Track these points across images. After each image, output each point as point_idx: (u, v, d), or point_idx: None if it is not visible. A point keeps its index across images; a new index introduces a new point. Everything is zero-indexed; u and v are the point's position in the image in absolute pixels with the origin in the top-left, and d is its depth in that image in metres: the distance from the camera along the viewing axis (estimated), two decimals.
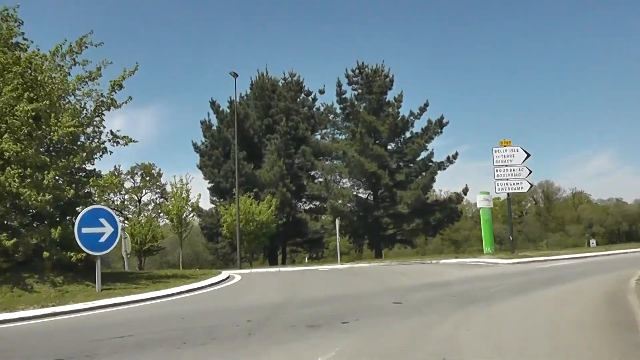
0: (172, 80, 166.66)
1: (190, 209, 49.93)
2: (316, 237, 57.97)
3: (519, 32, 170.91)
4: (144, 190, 70.11)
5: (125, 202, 68.82)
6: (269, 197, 48.74)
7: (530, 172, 34.77)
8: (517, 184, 34.99)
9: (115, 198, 65.94)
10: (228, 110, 56.31)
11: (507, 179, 34.72)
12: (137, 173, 70.63)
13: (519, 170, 34.77)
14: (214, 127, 57.45)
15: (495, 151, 34.88)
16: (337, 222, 39.43)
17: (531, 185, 37.15)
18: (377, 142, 52.34)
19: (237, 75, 42.34)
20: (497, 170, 34.73)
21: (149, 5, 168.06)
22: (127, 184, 68.25)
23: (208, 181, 56.46)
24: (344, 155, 51.06)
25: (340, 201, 51.45)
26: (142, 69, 38.69)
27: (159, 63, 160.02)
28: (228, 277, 24.46)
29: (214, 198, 55.37)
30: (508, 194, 36.20)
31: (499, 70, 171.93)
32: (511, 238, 38.95)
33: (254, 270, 34.07)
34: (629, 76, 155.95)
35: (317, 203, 58.11)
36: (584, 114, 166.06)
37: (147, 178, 69.44)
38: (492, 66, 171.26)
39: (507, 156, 34.88)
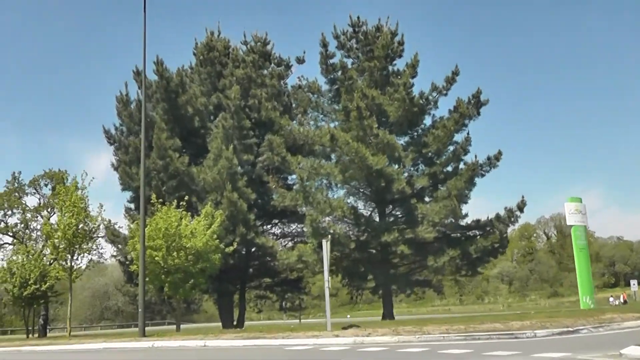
0: None
1: (90, 227, 34.05)
2: (292, 277, 40.24)
3: None
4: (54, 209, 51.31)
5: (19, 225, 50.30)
6: (209, 207, 30.84)
7: None
8: None
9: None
10: (157, 78, 38.10)
11: None
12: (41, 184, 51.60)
13: None
14: (133, 105, 39.20)
15: None
16: (327, 245, 21.68)
17: None
18: (383, 128, 34.76)
19: None
20: None
21: None
22: (32, 200, 50.48)
23: (122, 187, 38.32)
24: (332, 145, 32.99)
25: (327, 219, 33.47)
26: None
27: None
28: None
29: (135, 212, 36.76)
30: None
31: None
32: None
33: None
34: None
35: (293, 223, 40.87)
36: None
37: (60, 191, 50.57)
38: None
39: None
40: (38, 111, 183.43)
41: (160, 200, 31.26)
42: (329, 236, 23.33)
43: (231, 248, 32.09)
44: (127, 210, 39.16)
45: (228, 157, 33.46)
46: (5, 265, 38.30)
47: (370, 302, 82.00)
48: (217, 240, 30.53)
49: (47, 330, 48.29)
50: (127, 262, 37.43)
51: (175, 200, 31.05)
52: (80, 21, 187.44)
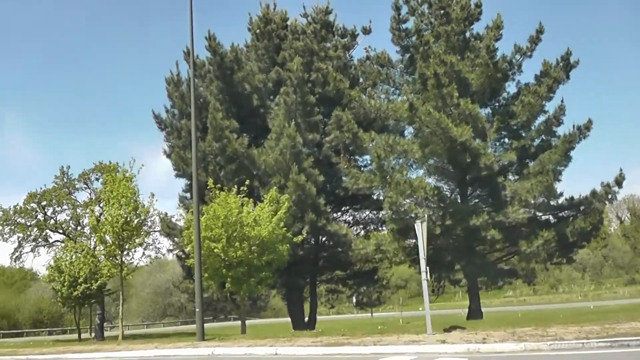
0: None
1: (141, 219, 31.29)
2: (366, 268, 36.38)
3: None
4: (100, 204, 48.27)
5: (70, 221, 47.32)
6: (274, 192, 27.13)
7: None
8: None
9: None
10: (210, 55, 34.70)
11: None
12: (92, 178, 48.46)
13: None
14: (184, 85, 35.92)
15: None
16: (422, 228, 17.81)
17: None
18: (463, 98, 30.64)
19: None
20: None
21: None
22: (82, 196, 48.20)
23: (177, 173, 34.93)
24: (411, 117, 28.97)
25: (406, 202, 29.42)
26: None
27: None
28: None
29: (191, 201, 33.33)
30: None
31: None
32: None
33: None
34: None
35: (364, 210, 37.44)
36: None
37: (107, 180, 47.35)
38: None
39: None
40: (95, 110, 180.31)
41: (219, 186, 27.74)
42: (425, 216, 19.21)
43: (300, 237, 28.47)
44: (182, 199, 35.87)
45: (291, 134, 29.65)
46: (52, 264, 35.38)
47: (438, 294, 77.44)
48: (285, 229, 26.85)
49: (105, 330, 45.63)
50: (185, 257, 34.24)
51: (235, 186, 27.41)
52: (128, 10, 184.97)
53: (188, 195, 35.47)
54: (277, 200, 27.27)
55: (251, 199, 27.54)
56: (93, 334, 45.19)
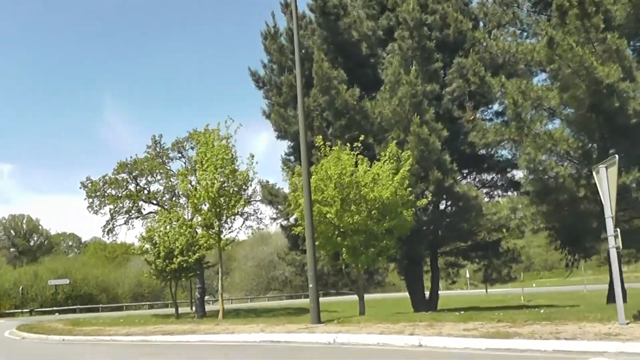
0: None
1: (239, 184, 28.38)
2: (494, 239, 32.52)
3: None
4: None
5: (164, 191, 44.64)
6: (393, 146, 23.23)
7: None
8: None
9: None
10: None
11: None
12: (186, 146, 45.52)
13: None
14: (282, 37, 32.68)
15: None
16: (606, 173, 13.67)
17: None
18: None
19: None
20: None
21: None
22: (176, 166, 45.34)
23: (278, 134, 31.63)
24: (550, 54, 24.32)
25: (543, 158, 25.03)
26: None
27: None
28: None
29: (296, 162, 29.95)
30: None
31: None
32: None
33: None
34: None
35: (491, 171, 33.20)
36: None
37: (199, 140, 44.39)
38: None
39: None
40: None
41: (328, 143, 24.01)
42: (616, 158, 14.79)
43: (424, 200, 24.56)
44: (285, 162, 32.40)
45: (411, 81, 25.58)
46: (144, 234, 32.60)
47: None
48: (409, 190, 22.97)
49: (207, 303, 43.07)
50: (290, 226, 30.87)
51: (347, 143, 23.56)
52: None
53: (292, 158, 32.12)
54: (397, 157, 23.30)
55: (365, 158, 23.65)
56: (194, 309, 42.60)
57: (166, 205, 42.05)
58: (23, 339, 26.04)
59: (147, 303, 78.10)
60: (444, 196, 28.46)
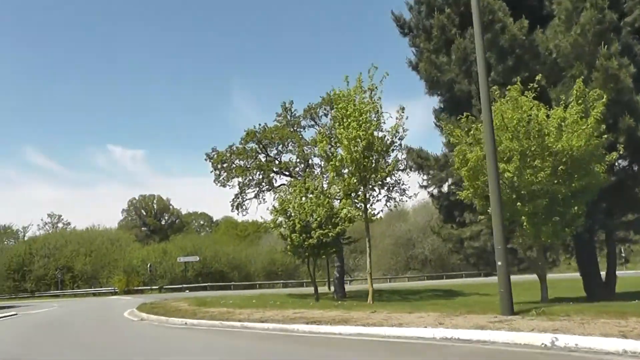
0: None
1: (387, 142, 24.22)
2: None
3: None
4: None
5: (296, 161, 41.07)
6: (580, 84, 18.51)
7: None
8: None
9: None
10: None
11: None
12: (319, 113, 41.81)
13: None
14: None
15: None
16: None
17: None
18: None
19: None
20: None
21: None
22: (308, 134, 42.03)
23: (428, 88, 27.44)
24: None
25: None
26: None
27: None
28: None
29: (451, 118, 25.53)
30: None
31: None
32: None
33: None
34: None
35: None
36: None
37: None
38: None
39: None
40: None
41: (494, 87, 19.40)
42: None
43: (615, 154, 19.25)
44: (437, 115, 27.99)
45: (596, 3, 20.69)
46: (277, 206, 29.07)
47: None
48: (604, 137, 18.25)
49: (345, 284, 39.47)
50: (444, 194, 26.71)
51: (517, 85, 18.88)
52: None
53: (444, 113, 27.72)
54: (583, 97, 18.47)
55: (540, 104, 18.92)
56: (332, 289, 38.94)
57: (299, 176, 38.52)
58: (141, 321, 23.17)
59: (281, 282, 75.97)
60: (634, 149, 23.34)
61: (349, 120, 22.67)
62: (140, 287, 68.59)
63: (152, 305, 29.44)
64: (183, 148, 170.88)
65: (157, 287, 68.02)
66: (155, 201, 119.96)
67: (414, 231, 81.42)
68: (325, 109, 39.87)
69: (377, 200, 24.97)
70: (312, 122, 40.89)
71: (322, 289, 45.91)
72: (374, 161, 23.14)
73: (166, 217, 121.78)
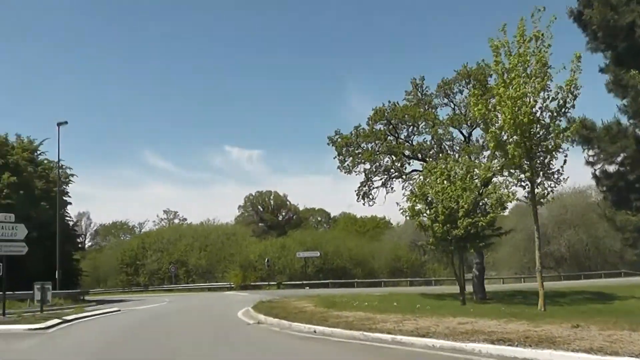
0: None
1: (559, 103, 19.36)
2: None
3: None
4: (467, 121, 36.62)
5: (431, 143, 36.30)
6: None
7: None
8: None
9: None
10: None
11: None
12: (454, 89, 36.87)
13: None
14: None
15: None
16: None
17: None
18: None
19: None
20: None
21: None
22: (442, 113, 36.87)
23: (596, 37, 22.65)
24: None
25: None
26: None
27: None
28: None
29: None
30: None
31: None
32: None
33: None
34: None
35: None
36: None
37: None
38: None
39: None
40: None
41: None
42: None
43: None
44: (615, 72, 22.82)
45: None
46: (416, 190, 24.54)
47: None
48: None
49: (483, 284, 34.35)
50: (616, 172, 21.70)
51: None
52: None
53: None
54: None
55: None
56: (472, 289, 33.82)
57: (433, 158, 33.73)
58: (257, 325, 19.41)
59: (407, 279, 70.69)
60: None
61: (512, 75, 17.99)
62: (257, 283, 65.84)
63: (271, 304, 25.92)
64: (298, 147, 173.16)
65: (275, 283, 64.80)
66: (272, 197, 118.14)
67: (548, 225, 74.04)
68: (460, 86, 34.88)
69: (551, 174, 20.01)
70: (446, 100, 35.97)
71: (449, 288, 41.15)
72: (542, 128, 18.40)
73: (283, 213, 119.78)
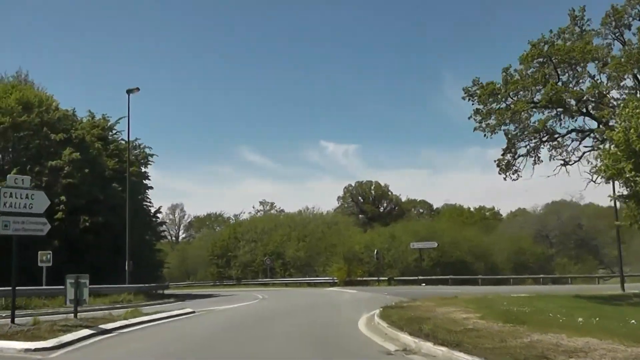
0: None
1: None
2: None
3: None
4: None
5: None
6: None
7: None
8: None
9: None
10: None
11: None
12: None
13: None
14: None
15: None
16: None
17: None
18: None
19: None
20: None
21: None
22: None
23: None
24: None
25: None
26: None
27: None
28: None
29: None
30: None
31: None
32: None
33: None
34: None
35: None
36: None
37: None
38: None
39: None
40: None
41: None
42: None
43: None
44: None
45: None
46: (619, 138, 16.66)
47: None
48: None
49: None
50: None
51: None
52: None
53: None
54: None
55: None
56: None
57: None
58: (403, 353, 11.23)
59: (531, 276, 61.18)
60: None
61: None
62: (364, 278, 58.55)
63: (405, 311, 18.08)
64: (394, 141, 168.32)
65: (385, 278, 57.45)
66: (372, 188, 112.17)
67: None
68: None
69: None
70: (615, 33, 27.60)
71: (596, 288, 33.10)
72: None
73: (384, 204, 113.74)
